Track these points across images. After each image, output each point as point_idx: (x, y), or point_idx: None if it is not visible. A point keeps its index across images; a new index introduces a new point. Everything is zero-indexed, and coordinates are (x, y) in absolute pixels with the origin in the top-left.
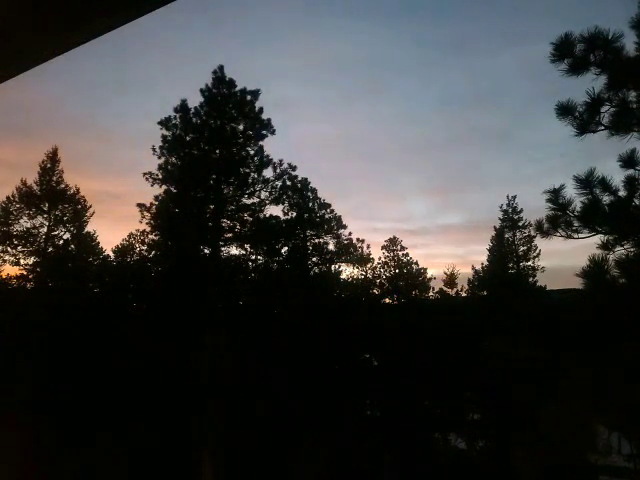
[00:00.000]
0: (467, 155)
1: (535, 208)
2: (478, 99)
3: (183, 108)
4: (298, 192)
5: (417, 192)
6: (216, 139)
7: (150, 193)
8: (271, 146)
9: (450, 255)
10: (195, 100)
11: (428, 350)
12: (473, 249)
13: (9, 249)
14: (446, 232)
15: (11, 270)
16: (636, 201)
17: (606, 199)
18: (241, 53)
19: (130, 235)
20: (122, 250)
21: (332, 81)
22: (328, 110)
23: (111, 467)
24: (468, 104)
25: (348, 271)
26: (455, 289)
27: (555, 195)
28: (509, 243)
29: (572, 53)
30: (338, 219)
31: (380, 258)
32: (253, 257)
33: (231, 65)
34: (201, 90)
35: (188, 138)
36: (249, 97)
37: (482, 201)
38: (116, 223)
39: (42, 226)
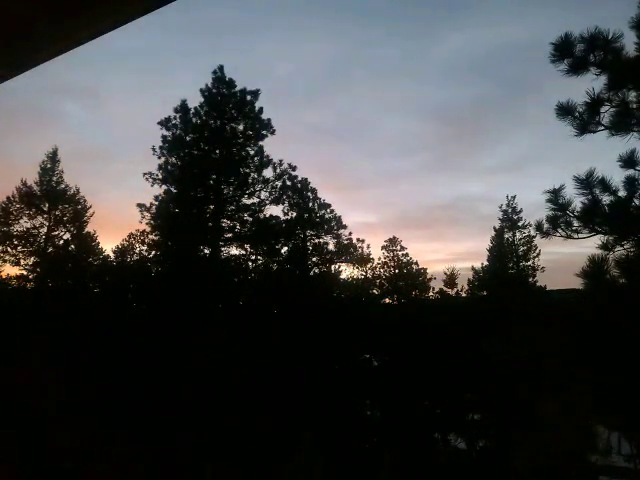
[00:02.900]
0: (319, 150)
1: (413, 207)
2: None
3: (183, 108)
4: (298, 192)
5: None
6: (216, 139)
7: (150, 193)
8: (271, 146)
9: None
10: (195, 100)
11: (428, 350)
12: (414, 248)
13: (9, 249)
14: (372, 231)
15: (11, 270)
16: (636, 201)
17: (606, 199)
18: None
19: (130, 235)
20: (122, 250)
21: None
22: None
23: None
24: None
25: (348, 271)
26: (455, 289)
27: (555, 195)
28: (509, 243)
29: (572, 53)
30: (338, 219)
31: (380, 258)
32: (253, 257)
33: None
34: (201, 90)
35: (188, 138)
36: (249, 97)
37: (380, 199)
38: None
39: (42, 226)
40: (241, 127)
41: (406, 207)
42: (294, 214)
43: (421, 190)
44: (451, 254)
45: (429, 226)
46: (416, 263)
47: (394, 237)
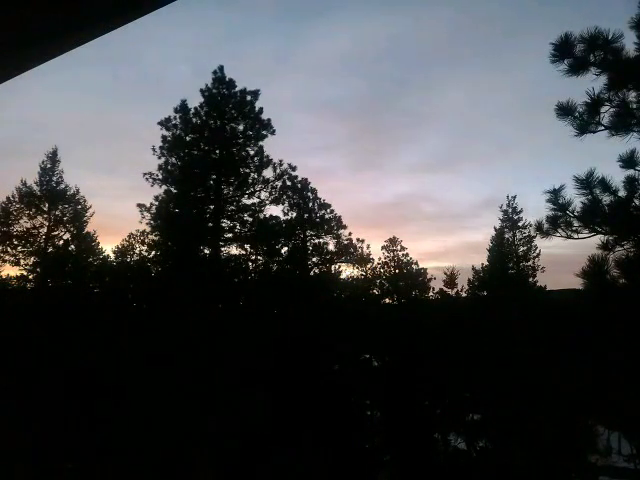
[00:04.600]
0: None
1: (358, 205)
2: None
3: (183, 108)
4: (298, 192)
5: None
6: (216, 139)
7: (150, 193)
8: (271, 146)
9: None
10: (195, 100)
11: (428, 350)
12: (376, 248)
13: (9, 249)
14: None
15: (11, 270)
16: (636, 201)
17: (606, 199)
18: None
19: (130, 235)
20: (122, 250)
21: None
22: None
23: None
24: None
25: (348, 271)
26: (455, 289)
27: (555, 195)
28: (509, 243)
29: (572, 53)
30: (338, 219)
31: (380, 258)
32: (253, 257)
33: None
34: (201, 90)
35: (188, 138)
36: (249, 97)
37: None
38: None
39: (42, 226)
40: (241, 127)
41: (351, 206)
42: (294, 214)
43: (358, 189)
44: (417, 254)
45: (382, 225)
46: (416, 263)
47: (394, 237)
